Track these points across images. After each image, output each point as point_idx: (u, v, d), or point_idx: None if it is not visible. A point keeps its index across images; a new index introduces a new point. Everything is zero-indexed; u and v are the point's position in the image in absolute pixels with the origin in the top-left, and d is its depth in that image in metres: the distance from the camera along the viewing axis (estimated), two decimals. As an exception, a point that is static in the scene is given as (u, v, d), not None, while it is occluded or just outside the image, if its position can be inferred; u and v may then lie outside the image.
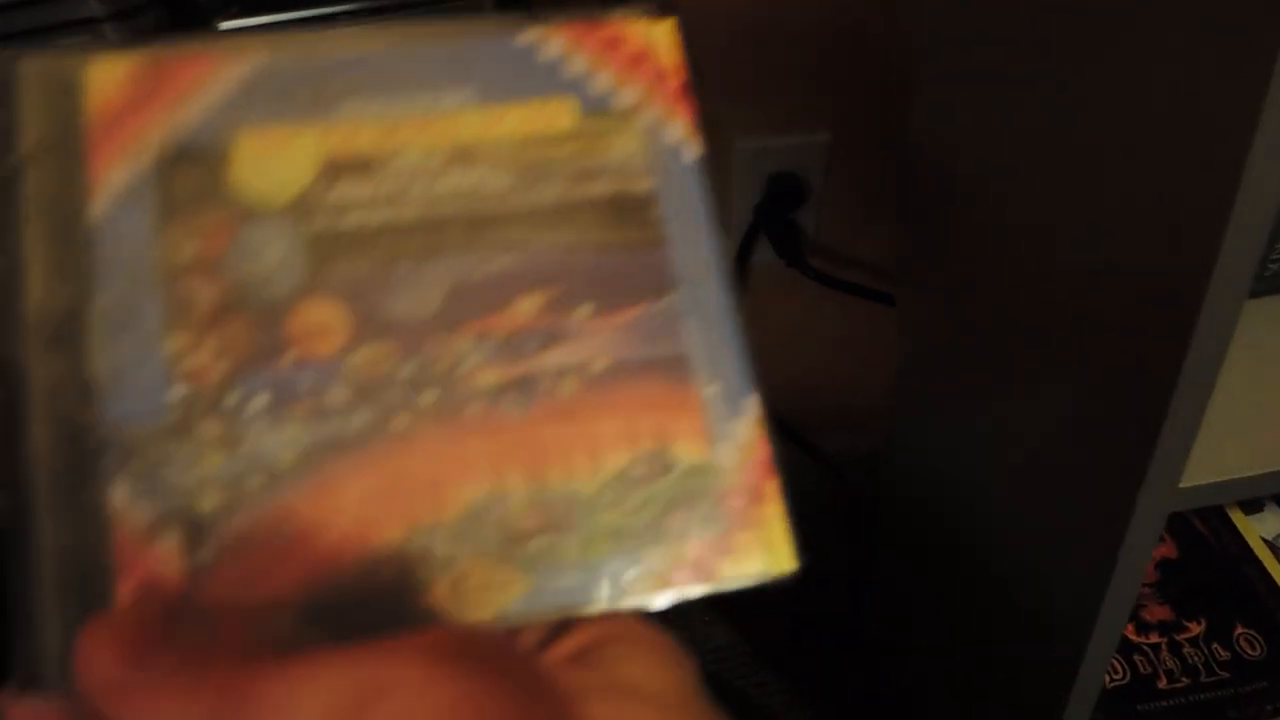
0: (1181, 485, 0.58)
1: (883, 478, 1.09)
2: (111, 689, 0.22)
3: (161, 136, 0.27)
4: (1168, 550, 0.97)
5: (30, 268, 0.26)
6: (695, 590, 0.27)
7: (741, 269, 1.12)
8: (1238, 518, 1.01)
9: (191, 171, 0.27)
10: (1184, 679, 0.87)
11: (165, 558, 0.25)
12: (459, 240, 0.28)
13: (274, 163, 0.28)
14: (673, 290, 0.29)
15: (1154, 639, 0.90)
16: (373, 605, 0.25)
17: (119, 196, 0.27)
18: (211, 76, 0.28)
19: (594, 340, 0.28)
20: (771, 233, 1.09)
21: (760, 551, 0.28)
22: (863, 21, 0.99)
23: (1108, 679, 0.86)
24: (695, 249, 0.30)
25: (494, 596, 0.26)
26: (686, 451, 0.28)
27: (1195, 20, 0.48)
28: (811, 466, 1.22)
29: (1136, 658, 0.89)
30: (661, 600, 0.27)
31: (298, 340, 0.27)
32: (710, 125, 0.31)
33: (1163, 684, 0.87)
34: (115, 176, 0.27)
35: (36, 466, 0.25)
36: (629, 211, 0.29)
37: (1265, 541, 0.99)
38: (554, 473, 0.27)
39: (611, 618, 0.27)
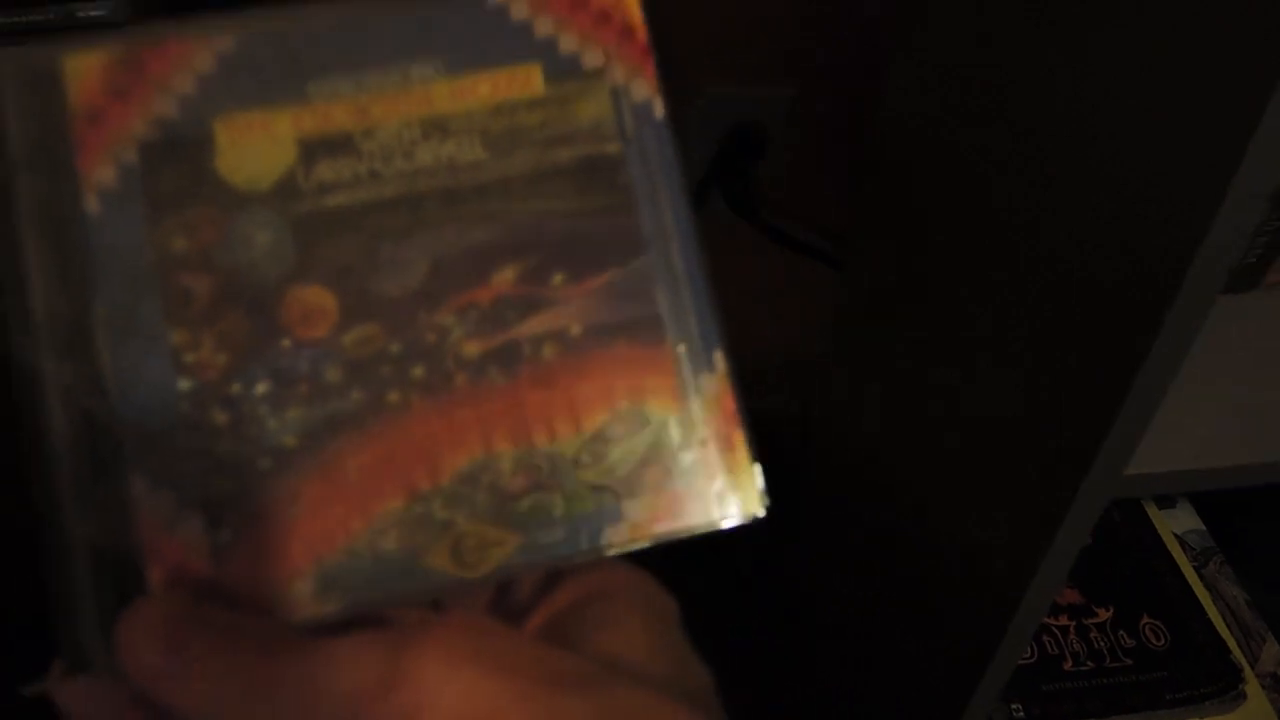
0: (1127, 472, 0.58)
1: (814, 437, 1.09)
2: (152, 673, 0.24)
3: (143, 129, 0.28)
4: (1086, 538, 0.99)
5: (33, 274, 0.27)
6: (672, 536, 0.29)
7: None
8: (1152, 511, 1.03)
9: (177, 163, 0.28)
10: (1089, 663, 0.89)
11: (190, 541, 0.26)
12: (437, 215, 0.29)
13: (255, 148, 0.28)
14: (643, 253, 0.30)
15: (1063, 621, 0.92)
16: (381, 570, 0.27)
17: (109, 194, 0.27)
18: (184, 63, 0.28)
19: (570, 306, 0.29)
20: (726, 184, 1.08)
21: (732, 497, 0.30)
22: (842, -21, 0.97)
23: (1016, 657, 0.88)
24: (664, 209, 0.30)
25: (491, 554, 0.28)
26: (660, 407, 0.30)
27: None
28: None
29: (1045, 638, 0.90)
30: (641, 546, 0.29)
31: (291, 325, 0.28)
32: (674, 71, 0.31)
33: (1069, 666, 0.89)
34: (103, 174, 0.27)
35: (59, 465, 0.26)
36: (599, 175, 0.30)
37: (1176, 537, 1.01)
38: (538, 435, 0.29)
39: (597, 568, 0.29)
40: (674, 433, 0.30)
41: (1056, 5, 0.60)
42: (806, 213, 1.14)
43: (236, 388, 0.27)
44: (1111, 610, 0.93)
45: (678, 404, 0.30)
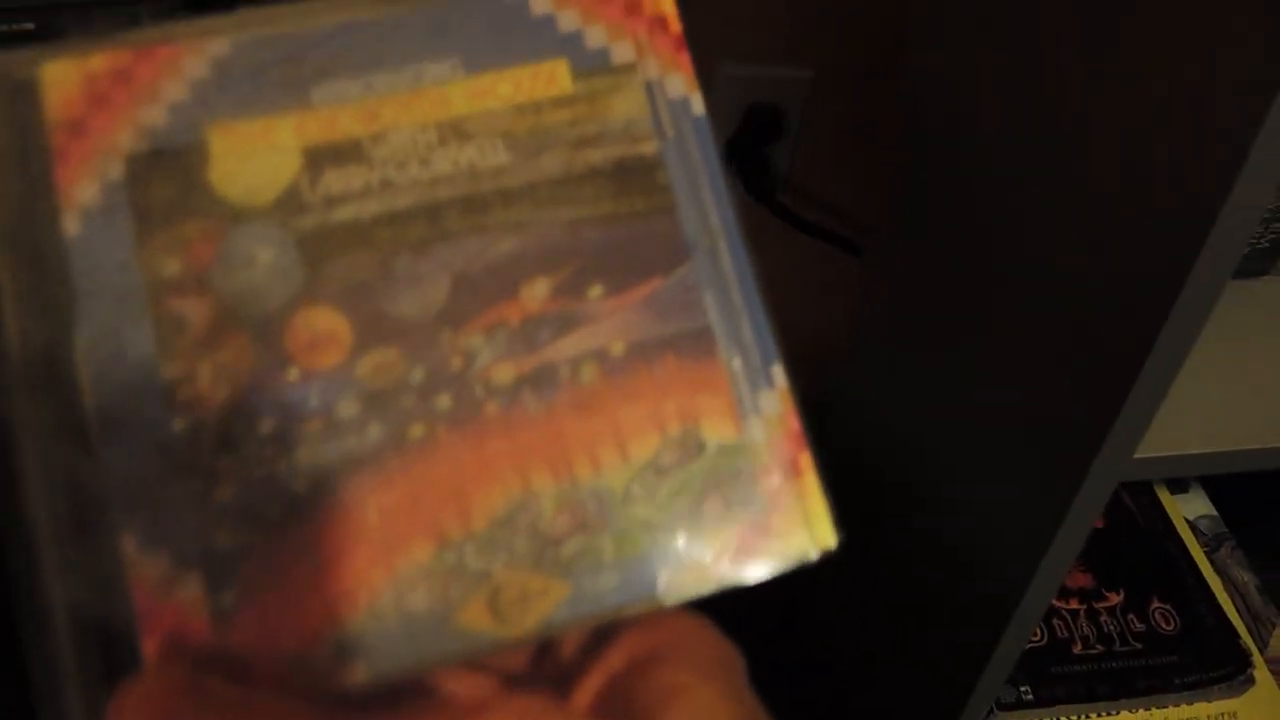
0: (1136, 455, 0.59)
1: (830, 424, 1.10)
2: None
3: (129, 140, 0.25)
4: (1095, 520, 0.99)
5: (6, 302, 0.24)
6: (739, 577, 0.26)
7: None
8: (1164, 496, 1.03)
9: (166, 176, 0.25)
10: (1099, 646, 0.90)
11: (188, 606, 0.23)
12: (458, 225, 0.26)
13: (253, 158, 0.25)
14: (687, 260, 0.27)
15: (1073, 605, 0.92)
16: (410, 631, 0.24)
17: (91, 212, 0.24)
18: (175, 69, 0.25)
19: (610, 322, 0.27)
20: (742, 166, 1.08)
21: (802, 529, 0.27)
22: (860, -39, 0.97)
23: (1025, 639, 0.88)
24: (708, 211, 0.28)
25: (534, 607, 0.25)
26: (716, 431, 0.27)
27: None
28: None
29: (1055, 621, 0.91)
30: (705, 592, 0.26)
31: (299, 353, 0.25)
32: (689, 50, 0.29)
33: (1078, 649, 0.89)
34: (84, 189, 0.25)
35: (38, 522, 0.23)
36: (635, 177, 0.28)
37: (1188, 522, 1.02)
38: (581, 468, 0.26)
39: (656, 620, 0.26)
40: (734, 459, 0.27)
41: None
42: (825, 197, 1.14)
43: (238, 427, 0.24)
44: (1122, 594, 0.94)
45: (735, 426, 0.27)
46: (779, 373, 0.28)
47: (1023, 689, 0.86)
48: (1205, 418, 0.62)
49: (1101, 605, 0.93)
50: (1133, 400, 0.55)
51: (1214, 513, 1.03)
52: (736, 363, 0.27)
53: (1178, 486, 1.04)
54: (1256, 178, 0.46)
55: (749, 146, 1.07)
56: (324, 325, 0.25)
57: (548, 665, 0.27)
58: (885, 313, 0.93)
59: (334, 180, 0.26)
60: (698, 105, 0.28)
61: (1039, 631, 0.90)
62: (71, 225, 0.24)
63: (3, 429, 0.23)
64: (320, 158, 0.26)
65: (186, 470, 0.24)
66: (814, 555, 0.27)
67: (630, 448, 0.26)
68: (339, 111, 0.26)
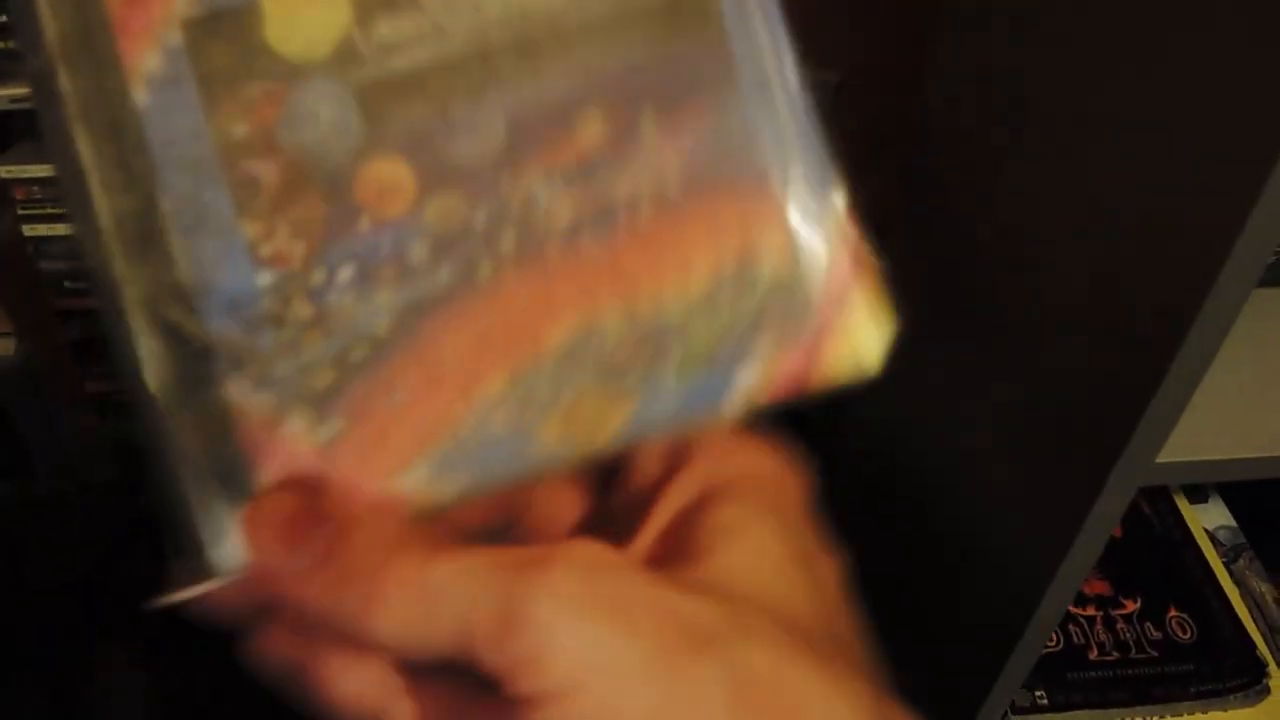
0: (1158, 460, 0.59)
1: (845, 424, 1.10)
2: (274, 572, 0.24)
3: (184, 3, 0.25)
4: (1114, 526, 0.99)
5: (90, 173, 0.25)
6: (788, 401, 0.27)
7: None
8: (1183, 505, 1.03)
9: (224, 37, 0.25)
10: (1115, 653, 0.90)
11: (293, 439, 0.25)
12: (511, 68, 0.26)
13: (306, 11, 0.25)
14: (740, 93, 0.27)
15: (1090, 611, 0.92)
16: (492, 453, 0.26)
17: (157, 80, 0.25)
18: None
19: (664, 156, 0.26)
20: (766, 168, 1.09)
21: (848, 356, 0.28)
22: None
23: (1041, 645, 0.88)
24: (761, 44, 0.27)
25: (603, 425, 0.26)
26: (771, 263, 0.27)
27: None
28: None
29: (1071, 628, 0.91)
30: (759, 411, 0.27)
31: (368, 204, 0.26)
32: None
33: (1094, 655, 0.89)
34: (148, 59, 0.25)
35: (151, 376, 0.25)
36: (687, 13, 0.26)
37: (1206, 531, 1.01)
38: (642, 302, 0.26)
39: (722, 452, 0.27)
40: (786, 291, 0.27)
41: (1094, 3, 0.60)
42: (848, 198, 1.14)
43: (319, 277, 0.25)
44: (1139, 602, 0.94)
45: (790, 258, 0.27)
46: (835, 197, 0.27)
47: (1038, 694, 0.86)
48: (1227, 424, 0.62)
49: (1118, 613, 0.93)
50: (1156, 404, 0.56)
51: (1233, 523, 1.03)
52: (791, 197, 0.27)
53: (1197, 496, 1.04)
54: (1284, 185, 0.46)
55: (773, 148, 1.07)
56: (389, 175, 0.26)
57: (629, 491, 0.28)
58: (904, 313, 0.93)
59: (386, 28, 0.26)
60: None
61: (1055, 637, 0.90)
62: (141, 96, 0.25)
63: (111, 289, 0.25)
64: (371, 5, 0.25)
65: (276, 322, 0.25)
66: (858, 380, 0.28)
67: (688, 280, 0.26)
68: None
